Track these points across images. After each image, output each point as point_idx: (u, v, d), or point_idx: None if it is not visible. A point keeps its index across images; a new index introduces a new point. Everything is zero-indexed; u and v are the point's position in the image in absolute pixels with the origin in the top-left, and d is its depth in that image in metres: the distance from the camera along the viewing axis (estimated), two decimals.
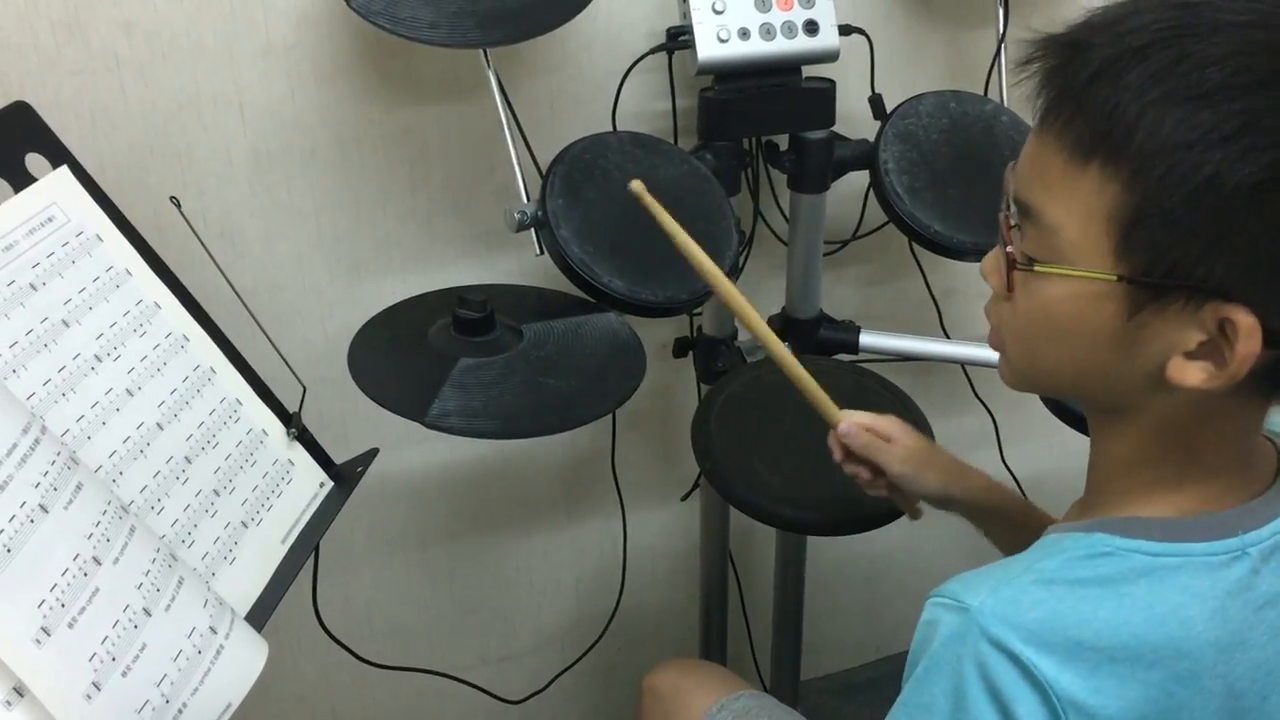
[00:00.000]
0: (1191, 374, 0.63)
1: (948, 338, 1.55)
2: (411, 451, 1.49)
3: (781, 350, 0.95)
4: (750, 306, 0.95)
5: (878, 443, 0.96)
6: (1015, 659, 0.63)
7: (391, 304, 1.22)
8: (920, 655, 0.69)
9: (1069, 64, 0.64)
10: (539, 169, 1.27)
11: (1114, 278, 0.63)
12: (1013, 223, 0.69)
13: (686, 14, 1.26)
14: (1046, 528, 0.75)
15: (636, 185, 0.93)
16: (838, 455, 0.98)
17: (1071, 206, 0.64)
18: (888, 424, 0.97)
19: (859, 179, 1.37)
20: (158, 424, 0.92)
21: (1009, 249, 0.69)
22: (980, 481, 0.99)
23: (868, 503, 1.04)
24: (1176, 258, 0.61)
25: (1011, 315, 0.72)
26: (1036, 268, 0.67)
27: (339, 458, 1.09)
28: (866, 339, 1.43)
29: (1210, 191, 0.59)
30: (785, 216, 1.46)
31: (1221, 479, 0.70)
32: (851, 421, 0.96)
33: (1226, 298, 0.60)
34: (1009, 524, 0.99)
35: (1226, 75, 0.58)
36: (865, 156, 1.34)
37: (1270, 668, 0.68)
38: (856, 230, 1.53)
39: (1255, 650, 0.68)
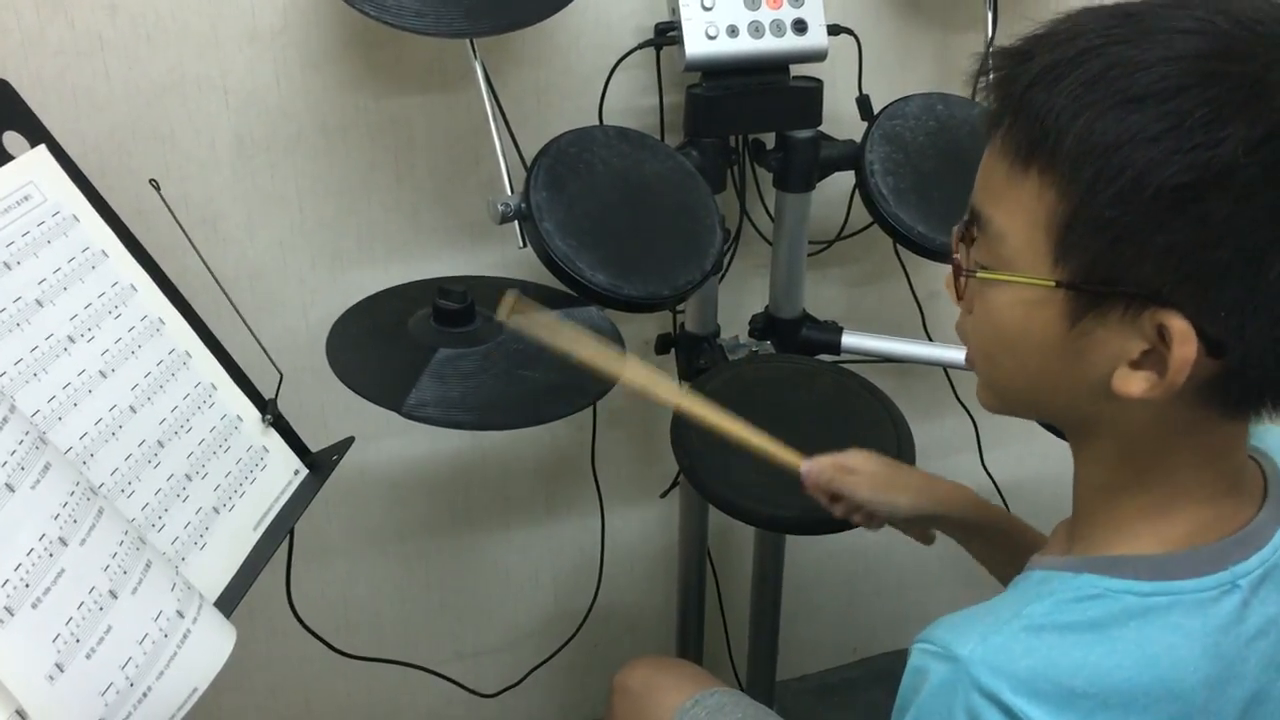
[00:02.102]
0: (1135, 384, 0.63)
1: (930, 340, 1.55)
2: (391, 443, 1.49)
3: (722, 418, 1.00)
4: (667, 383, 1.01)
5: (840, 476, 0.98)
6: (1007, 710, 0.62)
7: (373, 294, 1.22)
8: (907, 703, 0.68)
9: (1012, 73, 0.64)
10: (524, 162, 1.26)
11: (1051, 283, 0.63)
12: (973, 235, 0.69)
13: (675, 10, 1.26)
14: (1031, 557, 0.74)
15: (509, 299, 0.98)
16: (823, 502, 1.01)
17: (1015, 213, 0.65)
18: (850, 457, 0.99)
19: (845, 179, 1.37)
20: (130, 407, 0.91)
21: (956, 256, 0.70)
22: (956, 495, 1.00)
23: None
24: (1110, 263, 0.61)
25: (973, 330, 0.73)
26: (980, 274, 0.68)
27: (318, 447, 1.09)
28: (849, 340, 1.43)
29: (1136, 193, 0.58)
30: (770, 215, 1.46)
31: (1207, 507, 0.68)
32: (812, 461, 0.99)
33: (1161, 303, 0.60)
34: (989, 536, 0.99)
35: (1155, 80, 0.58)
36: (851, 157, 1.34)
37: (1262, 699, 0.68)
38: (841, 231, 1.53)
39: (1247, 682, 0.67)
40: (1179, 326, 0.59)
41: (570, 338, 0.97)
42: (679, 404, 1.01)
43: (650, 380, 1.01)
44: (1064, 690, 0.63)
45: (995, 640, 0.65)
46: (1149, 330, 0.61)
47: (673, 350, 1.51)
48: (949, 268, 0.72)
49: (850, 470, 0.98)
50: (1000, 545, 0.98)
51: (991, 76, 0.66)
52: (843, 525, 1.06)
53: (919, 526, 1.02)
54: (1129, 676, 0.63)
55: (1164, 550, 0.67)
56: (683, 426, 1.19)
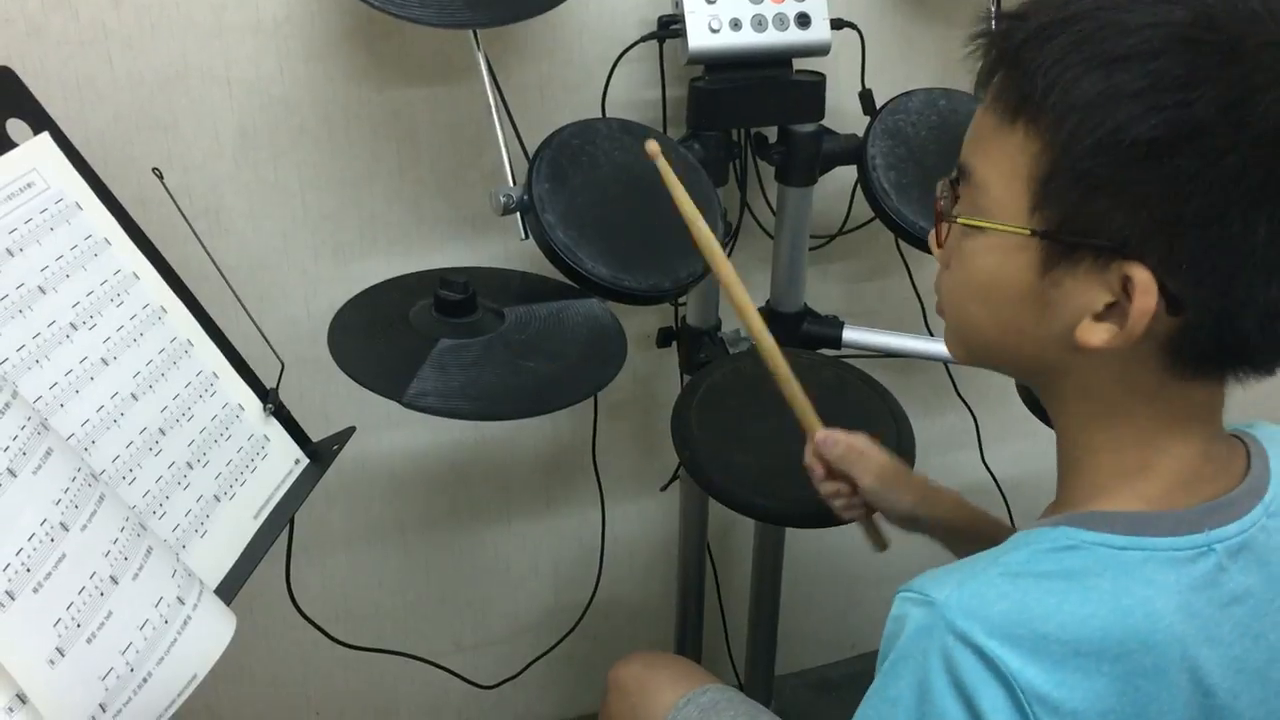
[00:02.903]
0: (1096, 335, 0.66)
1: (931, 335, 1.55)
2: (391, 435, 1.49)
3: (774, 352, 0.97)
4: (748, 298, 0.97)
5: (854, 455, 0.99)
6: (980, 652, 0.64)
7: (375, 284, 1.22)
8: (889, 649, 0.69)
9: (1008, 32, 0.68)
10: (527, 154, 1.26)
11: (1027, 231, 0.67)
12: (959, 192, 0.72)
13: (678, 3, 1.26)
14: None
15: (653, 146, 0.94)
16: (818, 473, 1.01)
17: (999, 164, 0.68)
18: (862, 440, 1.00)
19: (847, 174, 1.37)
20: (132, 394, 0.91)
21: (940, 203, 0.74)
22: (950, 502, 1.01)
23: None
24: (1085, 214, 0.64)
25: (948, 280, 0.76)
26: (960, 220, 0.71)
27: (319, 437, 1.09)
28: (850, 334, 1.43)
29: (1112, 146, 0.62)
30: (772, 209, 1.46)
31: (1185, 470, 0.70)
32: (830, 431, 0.99)
33: (1127, 255, 0.63)
34: (978, 542, 0.99)
35: (1139, 42, 0.62)
36: (853, 151, 1.34)
37: (1240, 665, 0.69)
38: (843, 225, 1.53)
39: (1224, 648, 0.68)
40: (1142, 277, 0.63)
41: (690, 205, 0.96)
42: (753, 324, 0.98)
43: (739, 295, 0.97)
44: (1037, 635, 0.64)
45: (971, 586, 0.67)
46: (1114, 283, 0.64)
47: (674, 343, 1.51)
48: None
49: (861, 454, 0.99)
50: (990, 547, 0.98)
51: (985, 30, 0.70)
52: (840, 519, 1.06)
53: (908, 528, 1.02)
54: (1102, 625, 0.64)
55: (1142, 508, 0.69)
56: (683, 419, 1.19)
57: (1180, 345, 0.66)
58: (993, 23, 0.70)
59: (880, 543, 1.05)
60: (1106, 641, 0.64)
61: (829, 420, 1.00)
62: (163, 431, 0.93)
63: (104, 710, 0.76)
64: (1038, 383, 0.76)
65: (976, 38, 0.70)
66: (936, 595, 0.66)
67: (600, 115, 1.35)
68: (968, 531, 0.99)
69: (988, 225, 0.69)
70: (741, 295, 0.97)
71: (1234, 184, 0.61)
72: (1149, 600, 0.65)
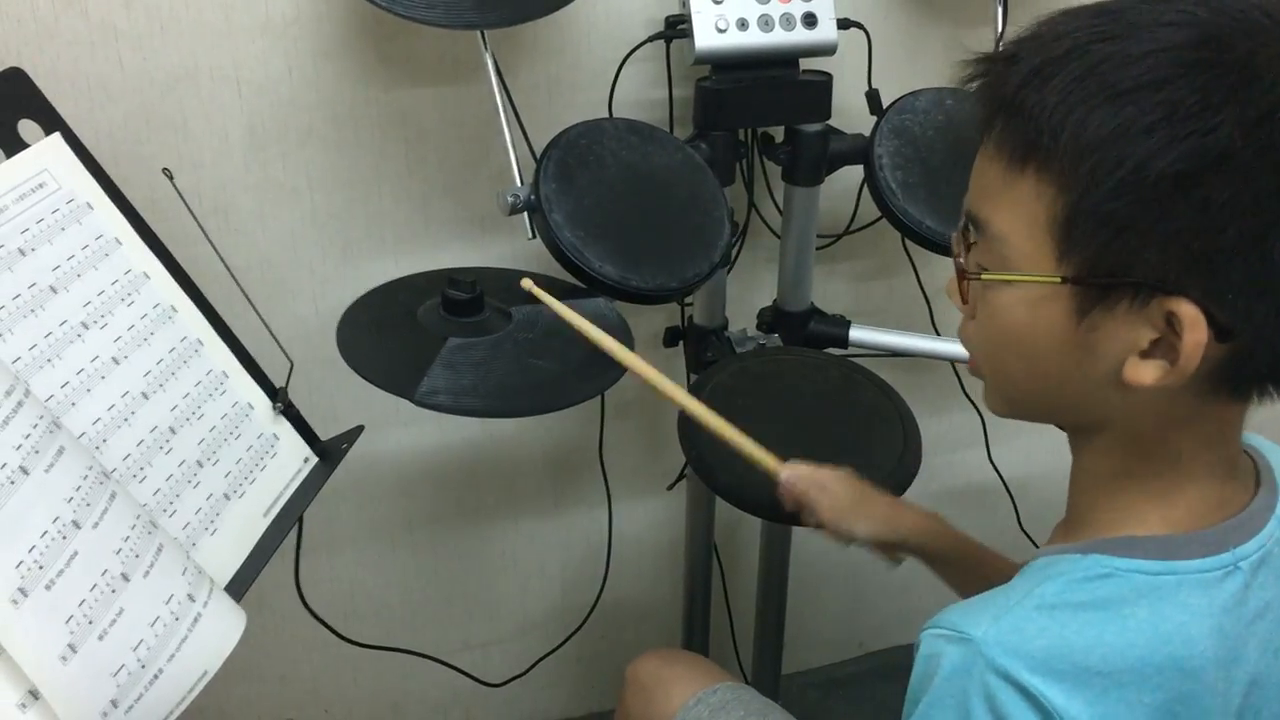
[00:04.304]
0: (1147, 373, 0.63)
1: (938, 335, 1.55)
2: (400, 434, 1.49)
3: (707, 415, 1.03)
4: (664, 379, 1.04)
5: (812, 493, 1.00)
6: (1024, 690, 0.62)
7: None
8: (921, 691, 0.67)
9: (1000, 76, 0.65)
10: (534, 154, 1.27)
11: (1057, 279, 0.64)
12: (971, 240, 0.70)
13: (685, 3, 1.26)
14: (1035, 553, 0.74)
15: (527, 283, 1.02)
16: (788, 508, 1.03)
17: (1015, 214, 0.65)
18: (825, 474, 1.01)
19: (854, 173, 1.38)
20: (143, 393, 0.92)
21: (959, 260, 0.70)
22: (922, 525, 1.01)
23: None
24: (1115, 254, 0.61)
25: (978, 334, 0.73)
26: (984, 276, 0.68)
27: (328, 436, 1.09)
28: (856, 334, 1.43)
29: (1136, 183, 0.59)
30: (779, 209, 1.47)
31: (1210, 490, 0.69)
32: (790, 473, 1.01)
33: (1168, 291, 0.60)
34: (955, 565, 1.00)
35: (1144, 72, 0.59)
36: (860, 151, 1.34)
37: (1263, 682, 0.68)
38: (850, 224, 1.54)
39: (1249, 665, 0.67)
40: (1189, 312, 0.60)
41: (581, 321, 1.00)
42: (675, 397, 1.04)
43: (657, 380, 1.04)
44: (1079, 669, 0.63)
45: (1008, 620, 0.65)
46: (1158, 319, 0.62)
47: (681, 343, 1.51)
48: (950, 275, 0.72)
49: (822, 488, 1.00)
50: (970, 574, 0.99)
51: (977, 82, 0.67)
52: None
53: (879, 555, 1.04)
54: (1142, 655, 0.63)
55: (1169, 532, 0.68)
56: (690, 419, 1.19)
57: (1233, 371, 0.64)
58: (980, 66, 0.68)
59: (891, 557, 1.06)
60: (1147, 670, 0.64)
61: (836, 421, 1.00)
62: (173, 430, 0.93)
63: (115, 706, 0.76)
64: (1079, 425, 0.73)
65: (969, 80, 0.68)
66: (973, 632, 0.65)
67: (607, 115, 1.36)
68: (950, 559, 1.00)
69: (1016, 278, 0.66)
70: (657, 378, 1.04)
71: (1269, 205, 0.59)
72: (1185, 626, 0.65)
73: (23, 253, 0.87)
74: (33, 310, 0.85)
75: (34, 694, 0.72)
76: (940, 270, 1.60)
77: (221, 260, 1.06)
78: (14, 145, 0.91)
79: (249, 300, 1.07)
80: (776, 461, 1.02)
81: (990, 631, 0.64)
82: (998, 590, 0.69)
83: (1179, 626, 0.64)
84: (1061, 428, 0.74)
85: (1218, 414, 0.67)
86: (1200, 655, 0.64)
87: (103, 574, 0.78)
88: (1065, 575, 0.67)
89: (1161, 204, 0.59)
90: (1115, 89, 0.60)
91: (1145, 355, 0.63)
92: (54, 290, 0.88)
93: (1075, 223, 0.62)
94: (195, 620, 0.83)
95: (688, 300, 1.47)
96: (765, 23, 1.27)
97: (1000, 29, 1.41)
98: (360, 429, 1.11)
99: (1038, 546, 0.76)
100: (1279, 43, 0.59)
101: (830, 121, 1.35)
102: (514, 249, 1.42)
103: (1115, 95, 0.60)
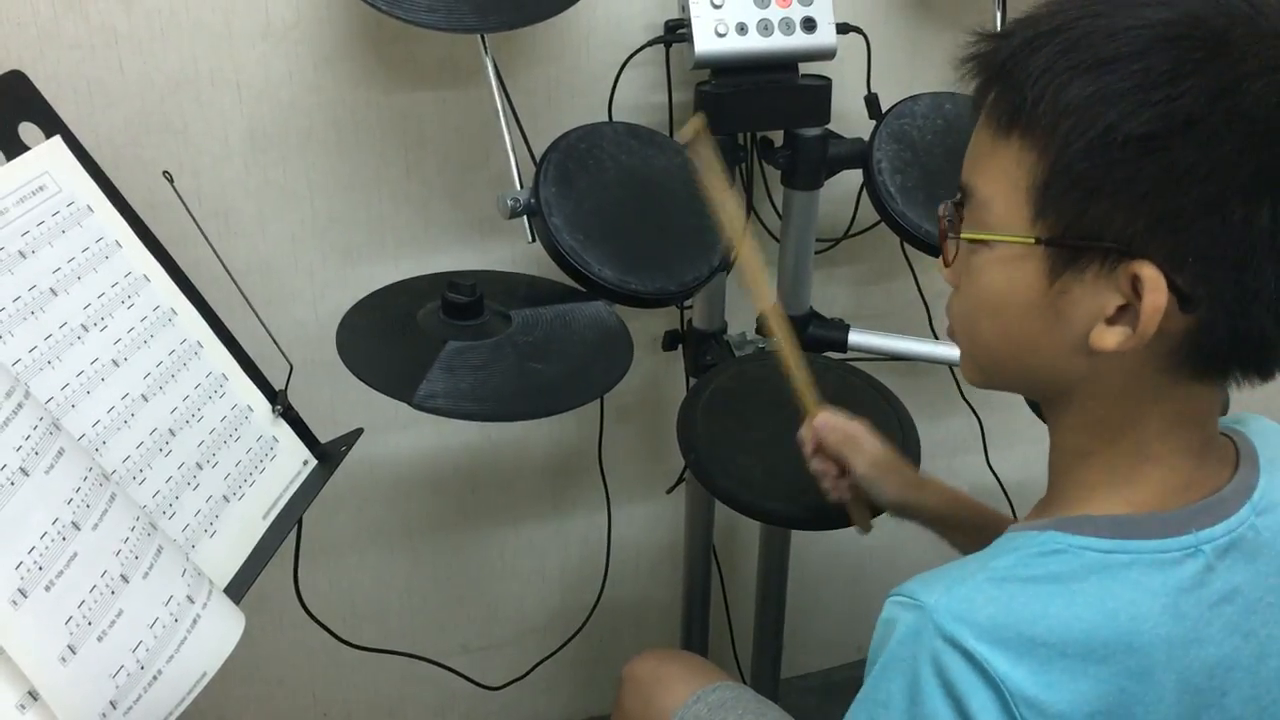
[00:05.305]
0: (1110, 337, 0.66)
1: (937, 339, 1.55)
2: (399, 437, 1.50)
3: (785, 329, 1.02)
4: (766, 279, 1.03)
5: (852, 441, 1.02)
6: (969, 655, 0.64)
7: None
8: (879, 652, 0.70)
9: (995, 49, 0.69)
10: (534, 158, 1.27)
11: (1031, 240, 0.67)
12: (963, 213, 0.73)
13: (685, 7, 1.27)
14: (1007, 527, 0.76)
15: (698, 121, 0.98)
16: (809, 448, 1.03)
17: (998, 179, 0.69)
18: (859, 427, 1.02)
19: (853, 177, 1.38)
20: (143, 395, 0.92)
21: (943, 221, 0.74)
22: (938, 493, 1.02)
23: None
24: (1087, 218, 0.64)
25: (959, 303, 0.76)
26: (963, 235, 0.72)
27: (327, 439, 1.10)
28: (855, 338, 1.44)
29: (1105, 145, 0.62)
30: (778, 213, 1.47)
31: (1174, 473, 0.71)
32: (826, 418, 1.02)
33: (1133, 255, 0.63)
34: (966, 532, 1.01)
35: (1124, 44, 0.63)
36: (859, 155, 1.34)
37: (1229, 664, 0.69)
38: (849, 229, 1.54)
39: (1212, 646, 0.68)
40: (1149, 274, 0.63)
41: (721, 188, 1.00)
42: (766, 307, 1.04)
43: (756, 270, 1.03)
44: (1024, 638, 0.65)
45: (960, 590, 0.67)
46: (1124, 285, 0.64)
47: (680, 346, 1.51)
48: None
49: (855, 443, 1.01)
50: (979, 537, 0.99)
51: (974, 53, 0.71)
52: (844, 521, 1.07)
53: (898, 515, 1.04)
54: (1087, 628, 0.65)
55: (1130, 512, 0.70)
56: (689, 422, 1.19)
57: (1195, 345, 0.66)
58: (977, 42, 0.71)
59: (865, 524, 1.07)
60: (1092, 644, 0.65)
61: None
62: (173, 432, 0.94)
63: (114, 708, 0.76)
64: (1049, 395, 0.75)
65: (967, 61, 0.71)
66: (925, 599, 0.67)
67: (607, 119, 1.36)
68: (958, 521, 1.01)
69: (991, 237, 0.70)
70: (758, 274, 1.02)
71: (1231, 172, 0.61)
72: (1134, 603, 0.66)
73: (23, 255, 0.87)
74: (33, 313, 0.86)
75: (33, 695, 0.73)
76: (939, 274, 1.59)
77: (221, 263, 1.06)
78: (14, 148, 0.91)
79: (249, 303, 1.07)
80: (817, 404, 1.03)
81: (942, 600, 0.67)
82: (957, 562, 0.72)
83: (1127, 604, 0.66)
84: (1032, 400, 0.76)
85: (1185, 394, 0.69)
86: (1149, 633, 0.66)
87: (102, 575, 0.78)
88: (1020, 550, 0.69)
89: (1129, 165, 0.62)
90: (1096, 59, 0.63)
91: (1111, 322, 0.66)
92: (54, 293, 0.88)
93: (1050, 185, 0.65)
94: (194, 622, 0.83)
95: (687, 304, 1.48)
96: (765, 27, 1.28)
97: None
98: (359, 432, 1.11)
99: None
100: (1255, 24, 0.62)
101: (829, 126, 1.35)
102: (514, 252, 1.43)
103: (1095, 65, 0.63)
